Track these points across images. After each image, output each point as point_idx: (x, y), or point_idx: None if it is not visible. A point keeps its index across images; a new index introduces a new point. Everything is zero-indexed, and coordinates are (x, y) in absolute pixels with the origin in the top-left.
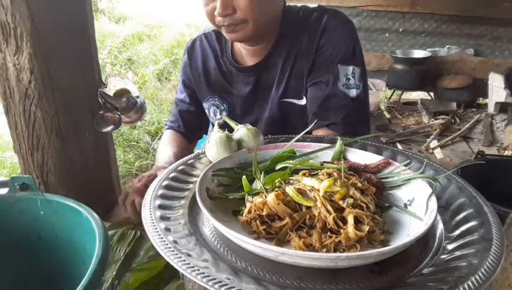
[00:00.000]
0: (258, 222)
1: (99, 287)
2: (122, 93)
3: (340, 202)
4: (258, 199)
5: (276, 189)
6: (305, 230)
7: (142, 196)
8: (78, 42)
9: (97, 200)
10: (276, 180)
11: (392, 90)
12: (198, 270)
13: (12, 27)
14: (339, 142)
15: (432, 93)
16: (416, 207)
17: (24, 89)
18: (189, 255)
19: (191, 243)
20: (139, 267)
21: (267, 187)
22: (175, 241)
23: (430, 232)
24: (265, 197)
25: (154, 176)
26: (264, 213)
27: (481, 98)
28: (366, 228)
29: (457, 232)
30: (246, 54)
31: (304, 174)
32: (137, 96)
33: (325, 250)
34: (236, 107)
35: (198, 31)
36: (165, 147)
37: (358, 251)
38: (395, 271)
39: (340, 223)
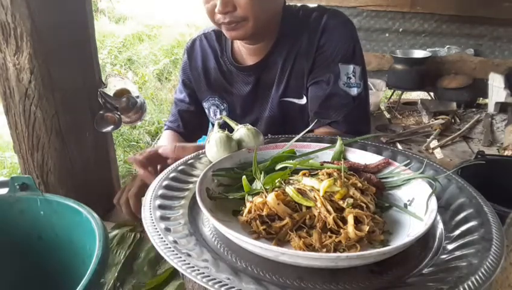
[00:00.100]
0: (258, 222)
1: (100, 288)
2: (122, 93)
3: (340, 202)
4: (258, 199)
5: (276, 189)
6: (305, 230)
7: (138, 196)
8: (78, 42)
9: (97, 200)
10: (276, 180)
11: (392, 90)
12: (198, 270)
13: (12, 27)
14: (339, 142)
15: (431, 93)
16: (416, 207)
17: (24, 89)
18: (189, 255)
19: (191, 243)
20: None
21: (267, 187)
22: (175, 241)
23: (430, 232)
24: (265, 197)
25: (155, 152)
26: (264, 213)
27: (481, 98)
28: (366, 228)
29: (457, 232)
30: (246, 53)
31: (304, 174)
32: (137, 96)
33: (325, 250)
34: (237, 106)
35: (198, 31)
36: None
37: (358, 251)
38: (395, 271)
39: (340, 223)
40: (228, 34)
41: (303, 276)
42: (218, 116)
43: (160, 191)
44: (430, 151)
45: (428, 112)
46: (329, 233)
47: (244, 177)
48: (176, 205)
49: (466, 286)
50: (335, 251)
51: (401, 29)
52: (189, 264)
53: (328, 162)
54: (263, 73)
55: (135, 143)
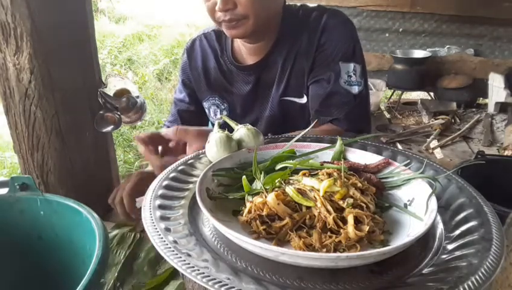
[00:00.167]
0: (258, 222)
1: (100, 288)
2: (122, 93)
3: (340, 202)
4: (258, 199)
5: (276, 189)
6: (305, 230)
7: (131, 195)
8: (78, 42)
9: (97, 200)
10: (276, 180)
11: (392, 90)
12: (198, 270)
13: (12, 27)
14: (339, 142)
15: (431, 93)
16: (416, 207)
17: (24, 89)
18: (189, 255)
19: (191, 243)
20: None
21: (267, 187)
22: (175, 241)
23: (430, 232)
24: (265, 197)
25: (158, 133)
26: (264, 213)
27: (481, 98)
28: (366, 228)
29: (457, 232)
30: (246, 52)
31: (304, 174)
32: (137, 96)
33: (325, 250)
34: (237, 106)
35: (198, 31)
36: None
37: (358, 251)
38: (395, 271)
39: (340, 223)
40: (228, 32)
41: (303, 276)
42: (219, 116)
43: (160, 191)
44: (430, 151)
45: (428, 112)
46: (329, 233)
47: (244, 177)
48: (176, 205)
49: (466, 286)
50: (335, 251)
51: (401, 29)
52: (189, 264)
53: (328, 162)
54: (263, 72)
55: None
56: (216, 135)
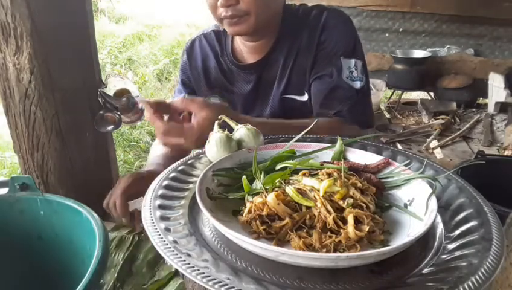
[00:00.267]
0: (258, 222)
1: (100, 288)
2: (122, 93)
3: (340, 202)
4: (258, 199)
5: (276, 189)
6: (305, 230)
7: (123, 197)
8: (78, 42)
9: (97, 200)
10: (276, 180)
11: (392, 90)
12: (198, 270)
13: (12, 27)
14: (339, 142)
15: (432, 93)
16: (416, 207)
17: (24, 89)
18: (189, 255)
19: (191, 243)
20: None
21: (267, 187)
22: (175, 241)
23: (430, 232)
24: (265, 197)
25: (165, 101)
26: (264, 213)
27: (481, 98)
28: (366, 228)
29: (457, 232)
30: (246, 51)
31: (304, 174)
32: (137, 96)
33: (325, 250)
34: (238, 105)
35: (198, 31)
36: (157, 147)
37: (358, 251)
38: (395, 271)
39: (340, 223)
40: (230, 29)
41: (303, 276)
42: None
43: (160, 191)
44: (430, 151)
45: (428, 112)
46: (329, 233)
47: (244, 177)
48: (176, 205)
49: (466, 286)
50: (335, 251)
51: (401, 29)
52: (189, 264)
53: (328, 162)
54: (264, 71)
55: (135, 143)
56: (216, 135)
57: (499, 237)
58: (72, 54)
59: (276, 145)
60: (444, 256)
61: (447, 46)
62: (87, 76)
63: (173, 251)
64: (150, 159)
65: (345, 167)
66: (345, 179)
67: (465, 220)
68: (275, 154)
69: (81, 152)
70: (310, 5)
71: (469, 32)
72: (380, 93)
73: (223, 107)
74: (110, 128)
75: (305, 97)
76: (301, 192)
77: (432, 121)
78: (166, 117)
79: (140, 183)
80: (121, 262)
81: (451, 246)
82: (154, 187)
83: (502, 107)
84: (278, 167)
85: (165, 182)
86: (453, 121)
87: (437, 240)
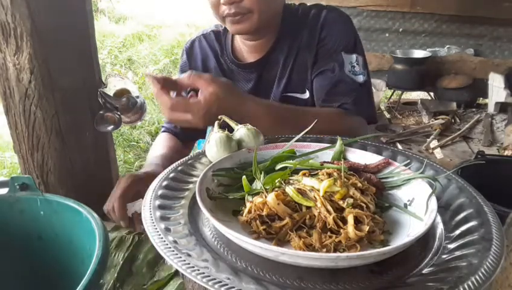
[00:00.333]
0: (258, 222)
1: (99, 288)
2: (122, 93)
3: (340, 202)
4: (258, 199)
5: (276, 189)
6: (305, 230)
7: (121, 199)
8: (78, 42)
9: (97, 200)
10: (276, 180)
11: (392, 90)
12: (198, 270)
13: (12, 27)
14: (339, 142)
15: (432, 93)
16: (416, 207)
17: (24, 89)
18: (189, 255)
19: (191, 243)
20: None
21: (267, 187)
22: (175, 241)
23: (430, 232)
24: (265, 197)
25: (171, 78)
26: (264, 213)
27: (481, 98)
28: (366, 228)
29: (457, 232)
30: (246, 51)
31: (304, 174)
32: (137, 96)
33: (325, 250)
34: None
35: (198, 31)
36: (156, 147)
37: (358, 251)
38: (395, 271)
39: (340, 223)
40: (233, 27)
41: (303, 276)
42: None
43: (160, 191)
44: (430, 151)
45: (428, 112)
46: (329, 233)
47: (244, 177)
48: (176, 205)
49: (466, 286)
50: (335, 251)
51: (401, 29)
52: (189, 264)
53: (328, 162)
54: (265, 70)
55: (135, 143)
56: (216, 135)
57: (499, 237)
58: (72, 54)
59: (276, 145)
60: (444, 256)
61: (447, 46)
62: (87, 76)
63: (173, 251)
64: (148, 160)
65: (345, 167)
66: (345, 179)
67: (465, 220)
68: (275, 154)
69: (81, 152)
70: (308, 4)
71: (469, 32)
72: (380, 93)
73: (229, 83)
74: (110, 128)
75: (306, 95)
76: (301, 192)
77: (432, 121)
78: (173, 94)
79: (138, 184)
80: (121, 262)
81: (451, 246)
82: (154, 187)
83: (502, 107)
84: (278, 167)
85: (165, 182)
86: (453, 121)
87: (437, 240)
